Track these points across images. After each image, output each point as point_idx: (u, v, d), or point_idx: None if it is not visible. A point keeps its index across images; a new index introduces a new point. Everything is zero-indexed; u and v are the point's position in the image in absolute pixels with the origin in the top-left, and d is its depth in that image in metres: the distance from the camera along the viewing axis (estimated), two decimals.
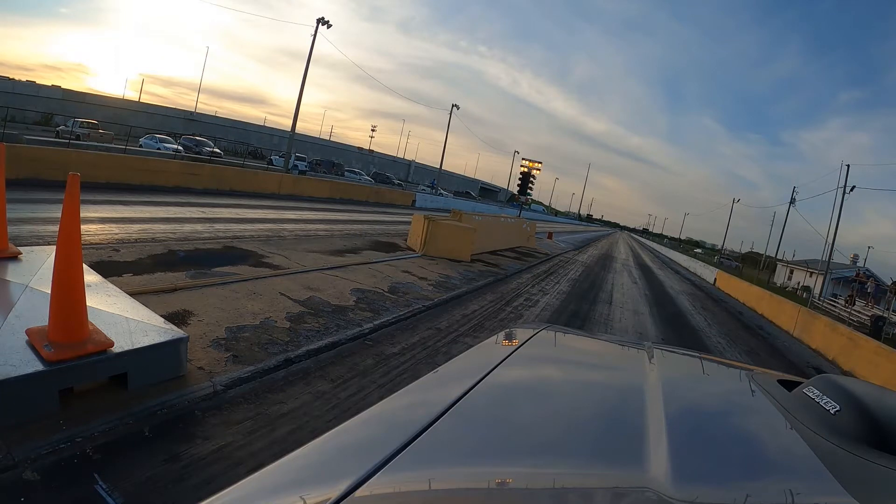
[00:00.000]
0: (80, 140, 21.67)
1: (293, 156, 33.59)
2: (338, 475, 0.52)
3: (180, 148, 26.95)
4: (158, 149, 25.21)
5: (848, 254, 45.61)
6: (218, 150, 30.09)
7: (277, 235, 9.00)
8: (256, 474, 0.53)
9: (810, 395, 0.82)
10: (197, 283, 4.95)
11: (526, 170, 19.00)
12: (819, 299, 34.83)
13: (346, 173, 41.50)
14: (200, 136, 32.30)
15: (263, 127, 57.77)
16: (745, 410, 0.94)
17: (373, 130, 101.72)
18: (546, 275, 11.75)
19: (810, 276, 43.09)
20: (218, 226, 8.77)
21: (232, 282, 5.18)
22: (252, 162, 31.04)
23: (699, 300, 15.18)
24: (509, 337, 1.21)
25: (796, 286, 45.65)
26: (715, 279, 23.91)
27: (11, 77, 42.21)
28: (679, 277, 23.20)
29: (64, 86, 44.92)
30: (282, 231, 9.70)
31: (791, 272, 50.36)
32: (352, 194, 22.96)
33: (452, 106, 45.81)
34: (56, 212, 7.88)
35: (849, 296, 32.05)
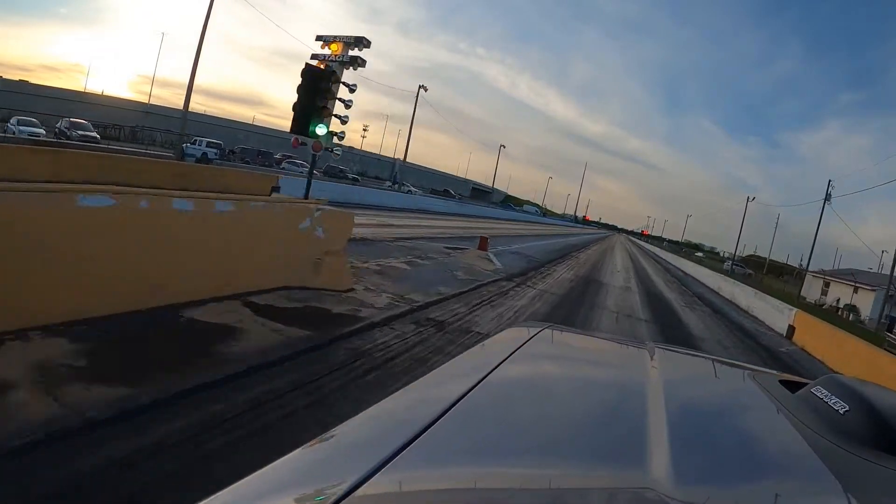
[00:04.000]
0: None
1: (197, 140, 27.17)
2: (339, 474, 0.51)
3: (42, 132, 22.81)
4: (13, 133, 21.30)
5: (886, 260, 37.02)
6: (95, 135, 24.60)
7: None
8: (257, 473, 0.51)
9: (818, 394, 0.81)
10: None
11: (321, 65, 8.25)
12: (867, 322, 26.93)
13: (286, 165, 34.69)
14: (82, 119, 26.14)
15: (255, 126, 55.82)
16: (748, 410, 0.92)
17: (364, 130, 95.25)
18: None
19: (855, 292, 34.82)
20: None
21: None
22: (130, 146, 24.66)
23: None
24: (510, 336, 1.21)
25: (834, 303, 37.16)
26: (791, 327, 11.86)
27: None
28: (719, 320, 12.57)
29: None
30: None
31: (827, 285, 40.41)
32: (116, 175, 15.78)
33: (419, 87, 40.09)
34: None
35: None
